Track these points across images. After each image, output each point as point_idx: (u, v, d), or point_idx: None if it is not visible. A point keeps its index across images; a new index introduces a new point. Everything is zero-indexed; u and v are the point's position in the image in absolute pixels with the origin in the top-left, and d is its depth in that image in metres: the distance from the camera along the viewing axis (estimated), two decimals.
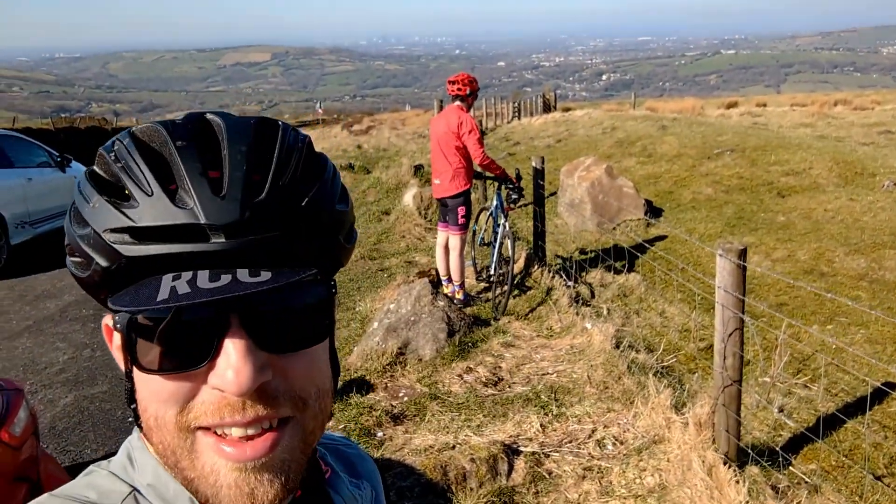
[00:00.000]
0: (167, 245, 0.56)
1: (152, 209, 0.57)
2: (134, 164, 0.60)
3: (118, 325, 0.58)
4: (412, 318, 5.31)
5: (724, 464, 3.41)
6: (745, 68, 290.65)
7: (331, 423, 4.23)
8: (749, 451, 3.61)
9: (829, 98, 27.06)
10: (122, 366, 0.63)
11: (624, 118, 18.19)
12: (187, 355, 0.57)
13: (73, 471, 3.91)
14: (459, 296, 6.24)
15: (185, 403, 0.58)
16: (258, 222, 0.58)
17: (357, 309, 6.24)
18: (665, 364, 4.93)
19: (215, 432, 0.58)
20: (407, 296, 5.54)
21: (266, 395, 0.58)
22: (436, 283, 6.19)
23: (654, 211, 9.87)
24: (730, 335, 3.39)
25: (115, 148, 0.62)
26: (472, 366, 4.97)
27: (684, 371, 5.15)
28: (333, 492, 0.76)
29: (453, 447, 3.84)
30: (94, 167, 0.63)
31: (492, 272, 6.29)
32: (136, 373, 0.59)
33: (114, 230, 0.57)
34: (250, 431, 0.58)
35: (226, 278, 0.55)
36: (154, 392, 0.58)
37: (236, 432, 0.58)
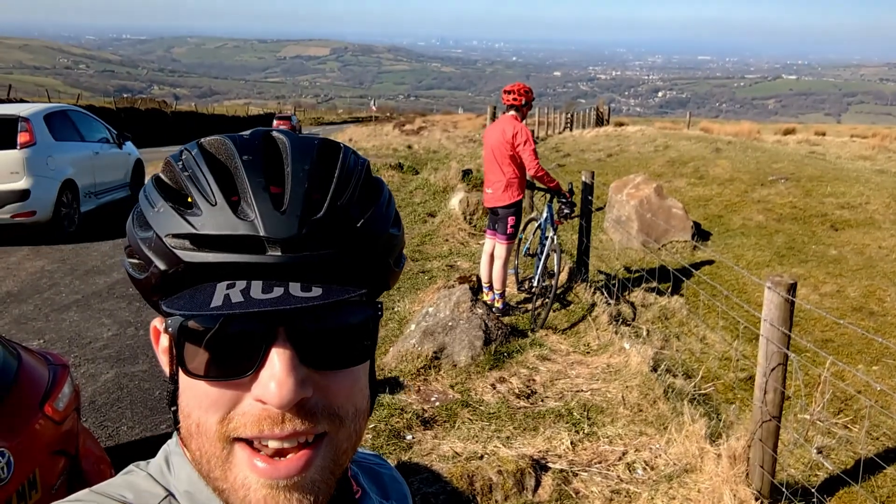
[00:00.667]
0: (225, 254, 0.58)
1: (214, 218, 0.59)
2: (200, 174, 0.62)
3: (169, 328, 0.59)
4: (450, 324, 5.32)
5: (756, 500, 3.34)
6: (806, 95, 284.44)
7: None
8: (783, 489, 3.53)
9: (892, 131, 26.29)
10: (166, 368, 0.65)
11: (677, 137, 17.95)
12: (234, 364, 0.58)
13: (111, 451, 4.01)
14: (498, 304, 6.23)
15: (227, 412, 0.59)
16: (314, 239, 0.60)
17: (395, 309, 6.28)
18: (702, 392, 4.85)
19: (251, 445, 0.59)
20: (446, 300, 5.55)
21: (305, 410, 0.59)
22: (476, 290, 6.19)
23: (701, 234, 9.71)
24: (772, 370, 3.32)
25: (183, 157, 0.65)
26: (506, 376, 4.95)
27: (721, 400, 5.06)
28: None
29: (481, 457, 3.84)
30: (161, 174, 0.66)
31: (534, 284, 6.27)
32: (182, 377, 0.61)
33: (175, 235, 0.59)
34: (286, 445, 0.59)
35: (278, 291, 0.57)
36: (197, 398, 0.60)
37: (272, 444, 0.59)
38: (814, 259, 8.64)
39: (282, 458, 0.59)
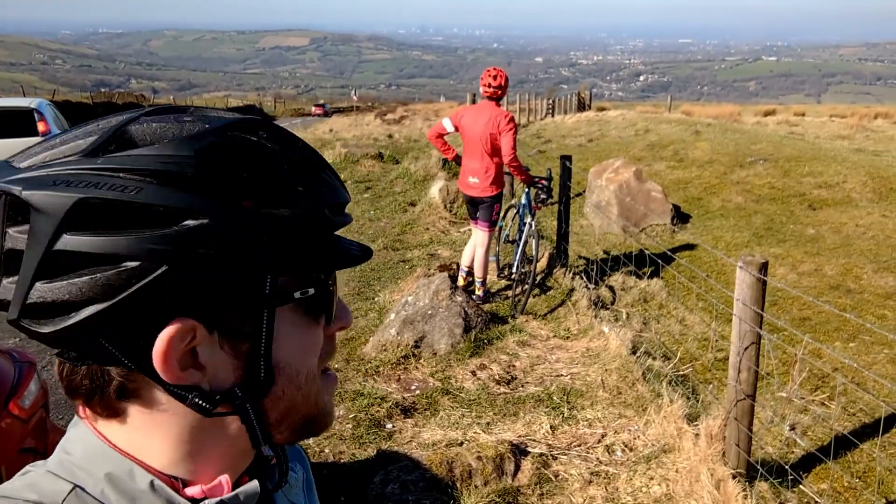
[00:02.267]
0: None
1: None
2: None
3: (311, 289, 0.65)
4: (429, 312, 5.32)
5: (733, 478, 3.38)
6: (786, 76, 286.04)
7: (341, 412, 4.26)
8: (759, 467, 3.57)
9: (870, 111, 26.49)
10: (222, 376, 0.62)
11: (658, 121, 17.99)
12: (331, 301, 0.69)
13: None
14: (479, 292, 6.23)
15: (319, 350, 0.68)
16: None
17: (376, 299, 6.28)
18: (681, 373, 4.89)
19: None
20: (425, 289, 5.55)
21: None
22: (454, 278, 6.19)
23: (681, 217, 9.76)
24: (745, 349, 3.35)
25: None
26: (486, 363, 4.97)
27: (700, 381, 5.11)
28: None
29: (461, 444, 3.85)
30: None
31: (514, 270, 6.28)
32: (288, 342, 0.64)
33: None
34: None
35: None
36: (301, 352, 0.66)
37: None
38: (792, 238, 8.71)
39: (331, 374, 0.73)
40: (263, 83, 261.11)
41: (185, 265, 0.55)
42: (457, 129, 5.96)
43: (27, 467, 0.63)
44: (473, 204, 6.03)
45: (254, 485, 0.66)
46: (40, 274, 0.54)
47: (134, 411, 0.61)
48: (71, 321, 0.54)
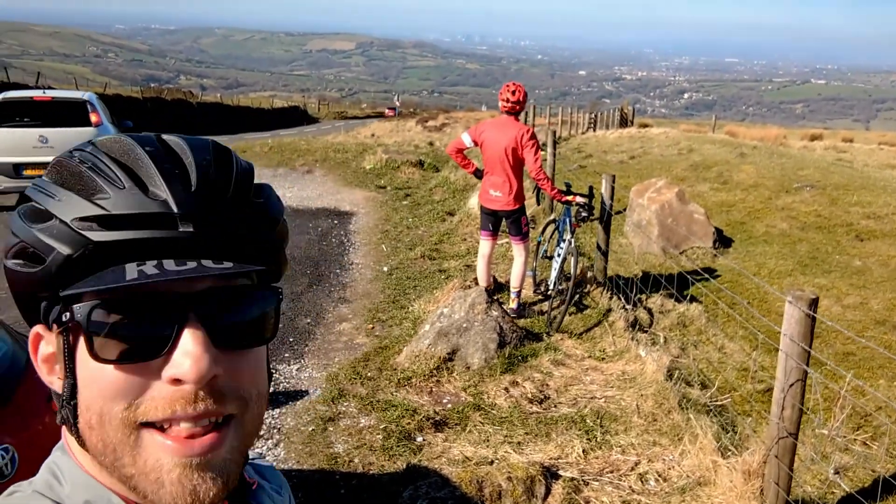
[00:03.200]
0: (137, 231, 0.59)
1: (126, 199, 0.60)
2: (102, 164, 0.63)
3: (77, 315, 0.59)
4: (464, 325, 5.29)
5: None
6: (835, 100, 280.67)
7: (371, 422, 4.25)
8: None
9: None
10: (48, 376, 0.66)
11: (702, 140, 17.76)
12: (146, 346, 0.59)
13: None
14: (514, 304, 6.19)
15: (135, 398, 0.59)
16: (224, 216, 0.63)
17: (410, 308, 6.26)
18: (718, 403, 4.78)
19: (161, 429, 0.60)
20: (461, 301, 5.52)
21: (216, 390, 0.61)
22: (491, 292, 6.15)
23: (723, 241, 9.59)
24: (791, 385, 3.25)
25: (77, 154, 0.65)
26: (519, 380, 4.91)
27: (738, 412, 4.98)
28: (255, 501, 0.78)
29: (491, 462, 3.81)
30: (48, 175, 0.66)
31: (550, 286, 6.22)
32: (83, 371, 0.61)
33: (83, 218, 0.60)
34: (197, 427, 0.60)
35: (191, 264, 0.59)
36: (102, 388, 0.59)
37: (184, 426, 0.60)
38: (837, 269, 8.50)
39: (194, 439, 0.60)
40: (309, 85, 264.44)
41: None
42: (476, 143, 5.96)
43: (12, 487, 0.65)
44: (494, 217, 6.02)
45: None
46: None
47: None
48: None
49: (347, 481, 3.64)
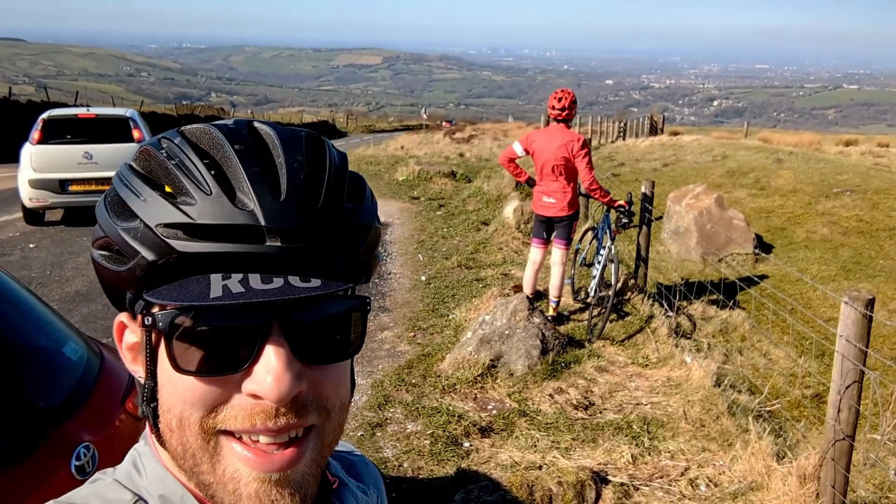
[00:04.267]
0: (223, 244, 0.57)
1: (211, 208, 0.57)
2: (189, 163, 0.60)
3: (159, 323, 0.57)
4: (506, 332, 5.29)
5: None
6: (868, 105, 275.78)
7: (419, 427, 4.27)
8: None
9: None
10: (132, 365, 0.65)
11: (736, 147, 17.58)
12: (227, 359, 0.57)
13: None
14: (553, 312, 6.17)
15: (215, 407, 0.58)
16: (313, 230, 0.59)
17: (451, 316, 6.28)
18: (768, 408, 4.72)
19: (240, 438, 0.59)
20: (503, 308, 5.53)
21: (298, 404, 0.59)
22: (532, 299, 6.14)
23: (763, 247, 9.48)
24: (847, 387, 3.21)
25: (165, 146, 0.62)
26: (563, 386, 4.90)
27: (787, 418, 4.91)
28: (339, 501, 0.75)
29: (540, 467, 3.80)
30: (135, 163, 0.63)
31: (590, 294, 6.20)
32: (162, 373, 0.60)
33: (168, 225, 0.57)
34: (277, 440, 0.59)
35: (278, 282, 0.56)
36: (182, 393, 0.58)
37: (264, 440, 0.58)
38: (882, 274, 8.35)
39: (275, 451, 0.58)
40: (336, 100, 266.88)
41: None
42: (527, 152, 5.95)
43: (97, 474, 0.66)
44: (548, 224, 6.01)
45: None
46: None
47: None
48: None
49: (398, 485, 3.66)
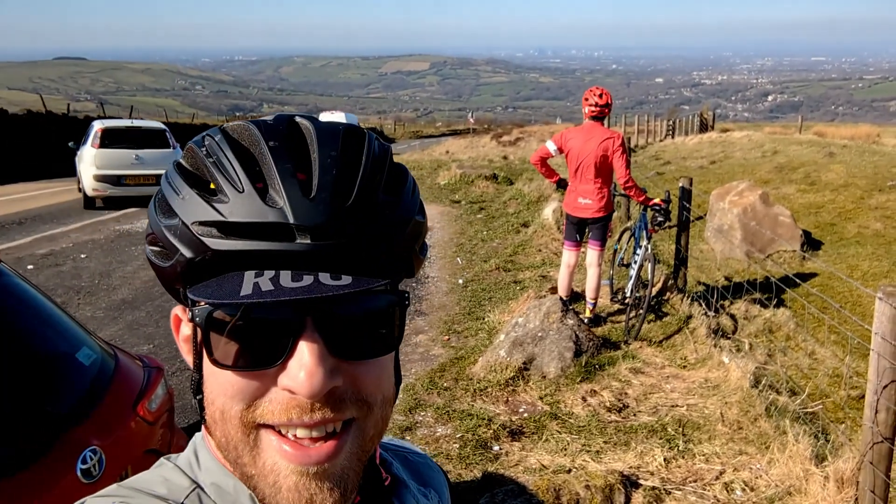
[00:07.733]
0: (254, 242, 0.57)
1: (242, 206, 0.58)
2: (226, 160, 0.61)
3: (196, 318, 0.59)
4: (539, 334, 5.24)
5: None
6: None
7: (448, 431, 4.26)
8: None
9: None
10: (187, 357, 0.66)
11: (787, 142, 17.09)
12: (261, 354, 0.58)
13: None
14: (589, 314, 6.09)
15: (253, 400, 0.59)
16: (344, 227, 0.59)
17: (486, 319, 6.25)
18: (809, 410, 4.56)
19: (279, 432, 0.59)
20: (536, 311, 5.48)
21: (334, 398, 0.59)
22: (566, 301, 6.07)
23: (812, 243, 9.18)
24: (884, 387, 3.08)
25: (206, 143, 0.64)
26: (596, 389, 4.83)
27: (830, 420, 4.74)
28: (398, 500, 0.75)
29: (569, 471, 3.75)
30: (183, 160, 0.65)
31: (627, 294, 6.10)
32: (206, 366, 0.61)
33: (202, 223, 0.59)
34: (315, 434, 0.59)
35: (308, 279, 0.56)
36: (222, 386, 0.59)
37: (301, 433, 0.58)
38: None
39: (312, 445, 0.59)
40: (385, 107, 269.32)
41: None
42: (561, 151, 5.86)
43: (161, 459, 0.69)
44: (581, 225, 5.93)
45: None
46: None
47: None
48: None
49: None
